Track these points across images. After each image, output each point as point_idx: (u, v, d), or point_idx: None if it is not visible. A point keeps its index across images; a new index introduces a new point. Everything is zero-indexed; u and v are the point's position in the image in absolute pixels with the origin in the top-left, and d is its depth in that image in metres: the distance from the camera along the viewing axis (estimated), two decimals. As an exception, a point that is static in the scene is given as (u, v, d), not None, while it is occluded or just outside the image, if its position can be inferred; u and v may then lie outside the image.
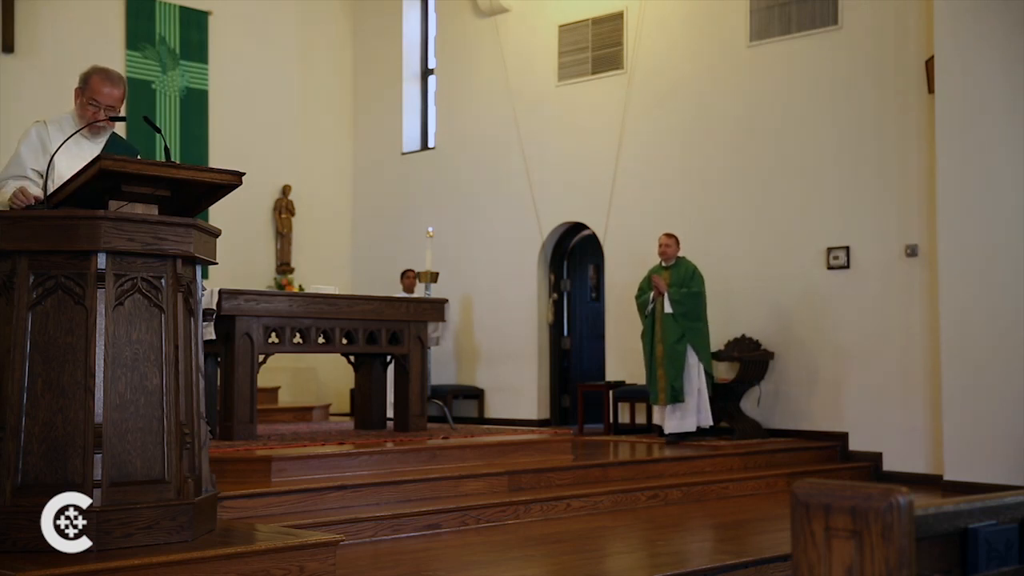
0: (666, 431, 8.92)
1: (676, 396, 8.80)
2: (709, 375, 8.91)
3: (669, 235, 9.20)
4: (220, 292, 7.19)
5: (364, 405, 8.42)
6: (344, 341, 7.77)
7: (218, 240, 4.63)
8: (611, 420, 10.24)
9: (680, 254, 9.19)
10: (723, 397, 9.27)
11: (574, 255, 11.68)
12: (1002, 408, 7.72)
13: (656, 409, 9.24)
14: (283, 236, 12.54)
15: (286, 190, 12.62)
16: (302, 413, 10.35)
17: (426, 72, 13.00)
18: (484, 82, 11.91)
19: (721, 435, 9.26)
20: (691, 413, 8.84)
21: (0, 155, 10.44)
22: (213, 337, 7.18)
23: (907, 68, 8.80)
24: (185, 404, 4.24)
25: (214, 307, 7.18)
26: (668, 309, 8.88)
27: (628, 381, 10.28)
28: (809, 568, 1.78)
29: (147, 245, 4.15)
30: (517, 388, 11.40)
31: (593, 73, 10.96)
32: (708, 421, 8.92)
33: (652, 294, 8.99)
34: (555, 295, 11.51)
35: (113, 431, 4.03)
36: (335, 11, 13.26)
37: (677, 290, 8.90)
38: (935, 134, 8.22)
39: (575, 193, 11.03)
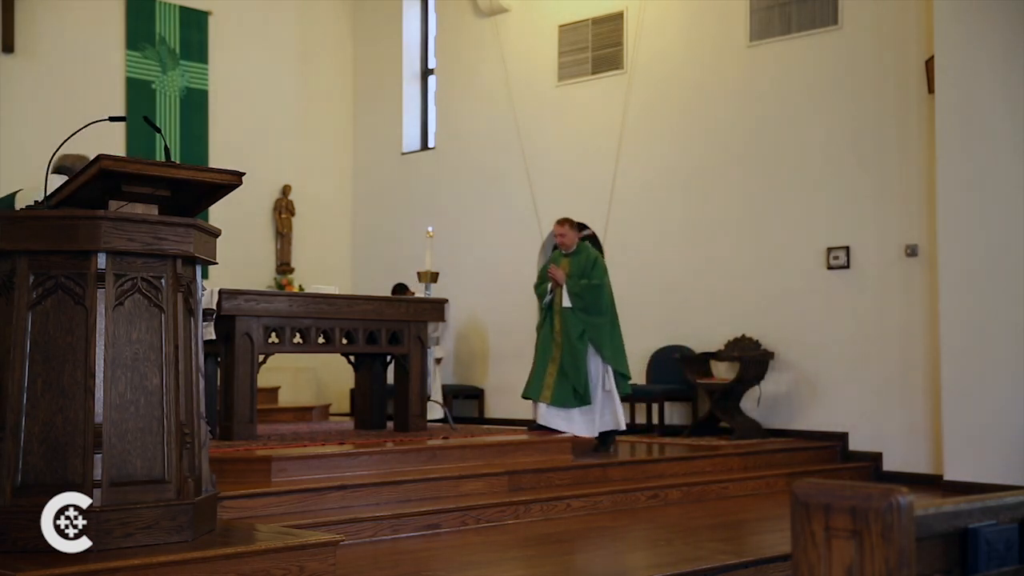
0: (554, 428, 8.04)
1: (579, 398, 8.03)
2: (623, 376, 8.18)
3: (562, 221, 8.40)
4: (220, 292, 7.19)
5: (364, 405, 8.43)
6: (344, 341, 7.77)
7: (218, 240, 4.63)
8: (611, 420, 10.23)
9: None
10: (723, 397, 9.27)
11: (574, 255, 11.67)
12: (1002, 408, 7.72)
13: (532, 405, 8.28)
14: (283, 236, 12.54)
15: (286, 190, 12.62)
16: (302, 413, 10.35)
17: (426, 72, 13.00)
18: (484, 82, 11.91)
19: (721, 435, 9.25)
20: (588, 417, 8.08)
21: (0, 155, 10.46)
22: (213, 337, 7.18)
23: (907, 68, 8.80)
24: (185, 404, 4.24)
25: (214, 307, 7.18)
26: (566, 303, 8.13)
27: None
28: (809, 568, 1.78)
29: (147, 245, 4.15)
30: (517, 388, 11.37)
31: (593, 73, 10.96)
32: (615, 425, 8.16)
33: (550, 285, 8.26)
34: (555, 295, 11.50)
35: (113, 431, 4.03)
36: (335, 11, 13.26)
37: (576, 282, 8.13)
38: (935, 134, 8.22)
39: (575, 193, 11.03)
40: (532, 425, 8.28)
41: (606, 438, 8.24)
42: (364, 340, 7.90)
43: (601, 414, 8.10)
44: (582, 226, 8.53)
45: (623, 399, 8.34)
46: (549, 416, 8.08)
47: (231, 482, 5.72)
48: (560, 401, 8.03)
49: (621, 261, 10.62)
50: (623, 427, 8.26)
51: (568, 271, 8.19)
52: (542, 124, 11.34)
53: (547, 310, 8.29)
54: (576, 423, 8.08)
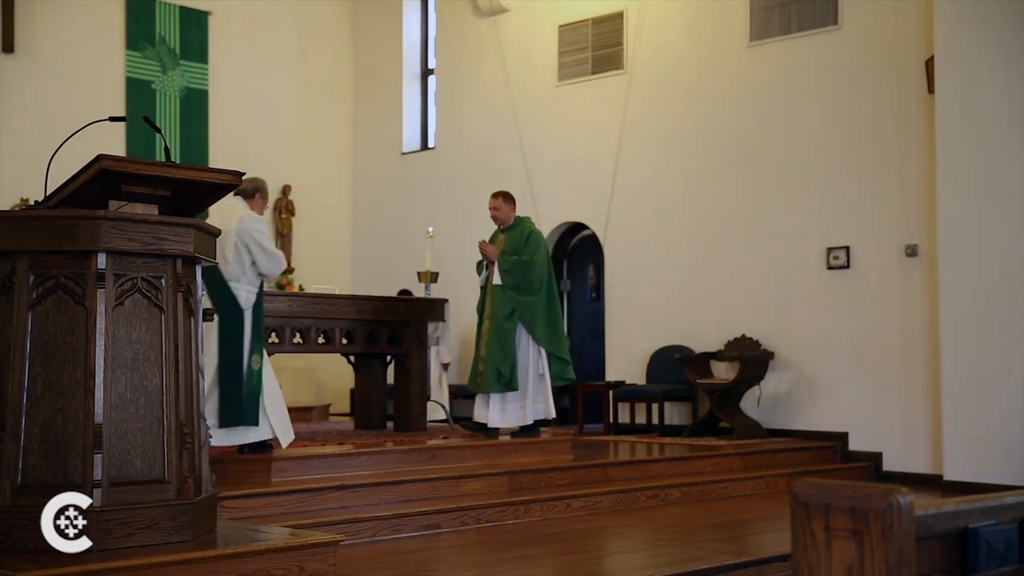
0: (489, 423, 7.56)
1: (504, 383, 7.42)
2: (562, 360, 7.62)
3: (496, 195, 7.93)
4: (220, 292, 7.18)
5: (364, 405, 8.43)
6: (344, 341, 7.77)
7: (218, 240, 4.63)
8: (611, 420, 10.24)
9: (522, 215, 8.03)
10: (723, 397, 9.27)
11: (574, 255, 11.68)
12: (1002, 408, 7.72)
13: (478, 398, 7.71)
14: (283, 236, 12.54)
15: (286, 190, 12.62)
16: (302, 413, 10.34)
17: (426, 72, 13.00)
18: (484, 82, 11.91)
19: (721, 435, 9.26)
20: (519, 404, 7.56)
21: (0, 155, 10.46)
22: (213, 337, 7.17)
23: (907, 68, 8.81)
24: (185, 404, 4.24)
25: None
26: (496, 280, 7.62)
27: (628, 381, 10.27)
28: (809, 568, 1.78)
29: (147, 245, 4.15)
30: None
31: (593, 73, 10.96)
32: (546, 413, 7.62)
33: (485, 263, 7.81)
34: (555, 295, 11.49)
35: (113, 431, 4.03)
36: (335, 11, 13.26)
37: (507, 258, 7.62)
38: (935, 134, 8.22)
39: (575, 193, 11.03)
40: (465, 423, 7.79)
41: (532, 427, 7.66)
42: (364, 340, 7.90)
43: (534, 401, 7.55)
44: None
45: (568, 386, 7.96)
46: (479, 408, 7.61)
47: (231, 482, 5.73)
48: (488, 386, 7.48)
49: (621, 261, 10.63)
50: (552, 415, 7.70)
51: (503, 247, 7.71)
52: (542, 124, 11.34)
53: (483, 290, 7.78)
54: (508, 413, 7.57)
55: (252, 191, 6.42)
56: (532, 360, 7.54)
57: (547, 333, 7.57)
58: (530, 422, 7.61)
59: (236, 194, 6.22)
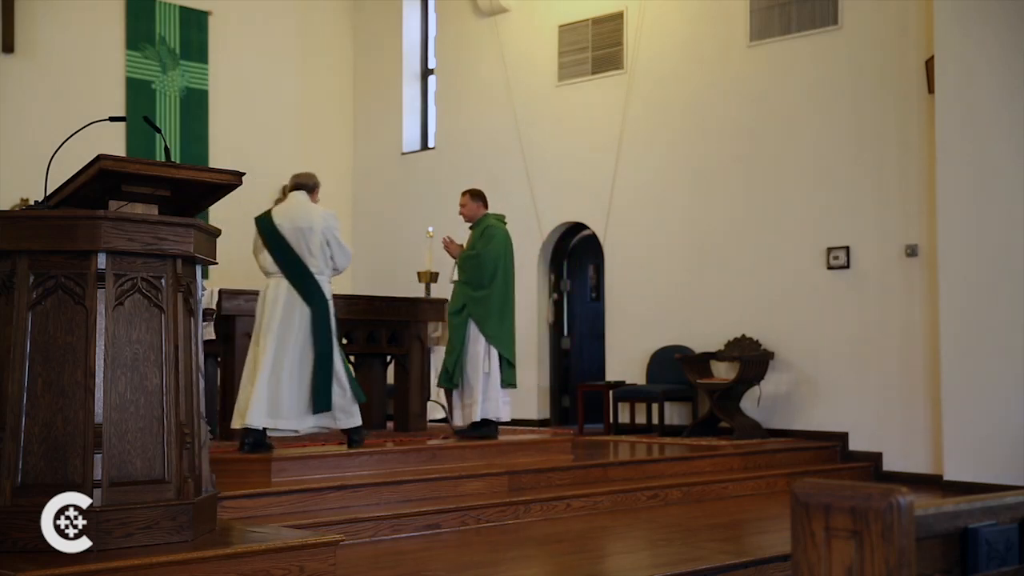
0: (451, 422, 7.54)
1: (446, 379, 7.36)
2: (508, 363, 7.42)
3: (464, 192, 7.82)
4: (220, 292, 7.20)
5: (364, 405, 8.42)
6: (344, 341, 7.76)
7: (218, 240, 4.63)
8: (611, 420, 10.24)
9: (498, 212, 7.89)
10: (723, 397, 9.27)
11: (574, 255, 11.68)
12: (1002, 408, 7.72)
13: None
14: (283, 236, 12.53)
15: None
16: (302, 413, 10.32)
17: (426, 72, 13.00)
18: (484, 82, 11.91)
19: (721, 435, 9.25)
20: (469, 402, 7.37)
21: (0, 155, 10.46)
22: (213, 337, 7.19)
23: (907, 68, 8.80)
24: (185, 404, 4.24)
25: (214, 307, 7.19)
26: (454, 276, 7.63)
27: (628, 381, 10.27)
28: (809, 568, 1.78)
29: (147, 245, 4.15)
30: (518, 387, 11.37)
31: (593, 73, 10.96)
32: (494, 414, 7.38)
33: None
34: (555, 295, 11.51)
35: (113, 431, 4.03)
36: (335, 11, 13.26)
37: (466, 253, 7.57)
38: (935, 134, 8.22)
39: (575, 193, 11.03)
40: (464, 433, 7.55)
41: (480, 426, 7.43)
42: (364, 340, 7.90)
43: (483, 399, 7.33)
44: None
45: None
46: (455, 403, 7.54)
47: (231, 482, 5.72)
48: (438, 382, 7.52)
49: (621, 261, 10.63)
50: (501, 416, 7.43)
51: (467, 244, 7.65)
52: (542, 124, 11.34)
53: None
54: (464, 410, 7.43)
55: (313, 185, 6.71)
56: (481, 358, 7.34)
57: (497, 331, 7.38)
58: (477, 419, 7.35)
59: (297, 188, 6.66)
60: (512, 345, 7.51)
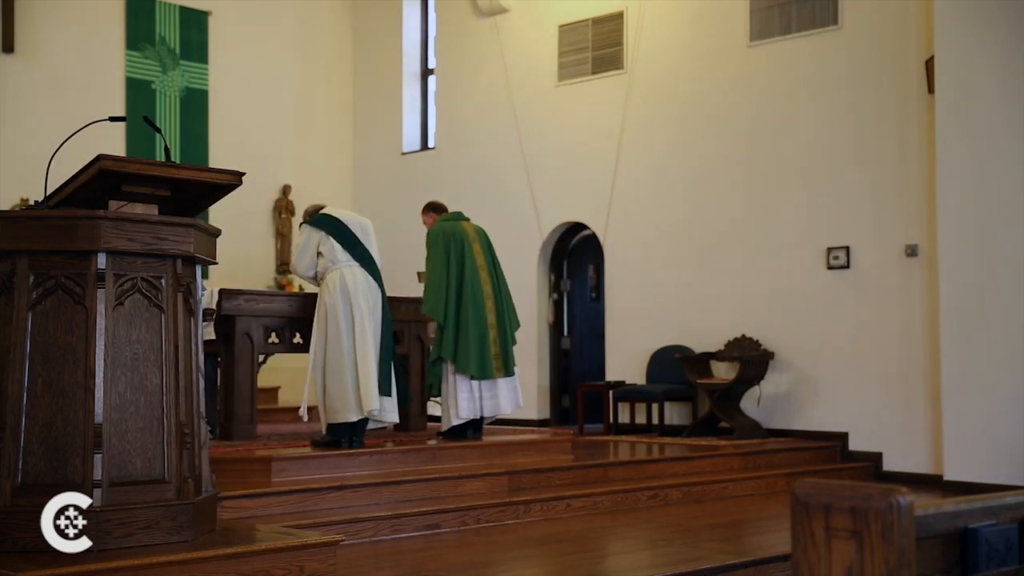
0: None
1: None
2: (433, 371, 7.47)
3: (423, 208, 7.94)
4: (220, 292, 7.20)
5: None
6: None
7: (218, 240, 4.63)
8: (611, 420, 10.24)
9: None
10: (723, 397, 9.26)
11: (574, 255, 11.68)
12: (1002, 408, 7.72)
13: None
14: (283, 236, 12.54)
15: (286, 190, 12.62)
16: (302, 413, 10.32)
17: (426, 72, 13.00)
18: (484, 82, 11.92)
19: (721, 435, 9.25)
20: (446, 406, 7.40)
21: (0, 155, 10.46)
22: (213, 337, 7.18)
23: (907, 68, 8.80)
24: (185, 404, 4.24)
25: (214, 307, 7.19)
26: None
27: (628, 381, 10.27)
28: (809, 568, 1.78)
29: (147, 245, 4.15)
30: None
31: (593, 73, 10.96)
32: (454, 419, 7.31)
33: None
34: (555, 295, 11.51)
35: (113, 431, 4.03)
36: (335, 11, 13.26)
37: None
38: (935, 134, 8.22)
39: (575, 193, 11.03)
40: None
41: (450, 431, 7.36)
42: (364, 340, 7.87)
43: (448, 406, 7.32)
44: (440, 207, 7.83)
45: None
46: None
47: (231, 482, 5.72)
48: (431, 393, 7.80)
49: (621, 261, 10.63)
50: (506, 408, 7.43)
51: None
52: (542, 124, 11.34)
53: None
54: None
55: None
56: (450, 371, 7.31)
57: (463, 357, 7.26)
58: (445, 429, 7.37)
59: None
60: (471, 355, 7.26)
